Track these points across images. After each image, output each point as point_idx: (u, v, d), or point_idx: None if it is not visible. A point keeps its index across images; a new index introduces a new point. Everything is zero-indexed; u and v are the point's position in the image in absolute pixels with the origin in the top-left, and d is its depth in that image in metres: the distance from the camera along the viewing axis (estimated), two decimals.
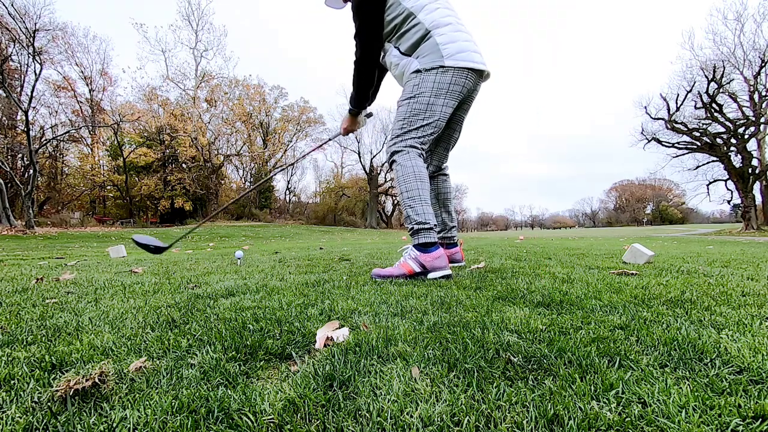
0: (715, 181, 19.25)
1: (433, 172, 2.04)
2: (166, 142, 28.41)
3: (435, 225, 1.65)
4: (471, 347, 0.70)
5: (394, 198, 42.25)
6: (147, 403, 0.52)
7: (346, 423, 0.48)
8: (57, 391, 0.54)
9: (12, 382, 0.60)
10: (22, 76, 19.84)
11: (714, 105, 17.15)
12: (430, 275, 1.56)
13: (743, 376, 0.58)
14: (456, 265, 2.05)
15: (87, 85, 26.12)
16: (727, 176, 18.12)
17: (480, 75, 1.73)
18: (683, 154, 19.68)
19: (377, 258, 2.63)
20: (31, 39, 15.10)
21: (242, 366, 0.65)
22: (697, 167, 19.64)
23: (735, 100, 17.46)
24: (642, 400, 0.51)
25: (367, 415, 0.49)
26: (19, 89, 19.47)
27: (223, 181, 32.48)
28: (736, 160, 17.32)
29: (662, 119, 18.82)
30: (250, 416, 0.49)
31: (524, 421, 0.47)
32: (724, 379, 0.57)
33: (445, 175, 2.07)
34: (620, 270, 1.71)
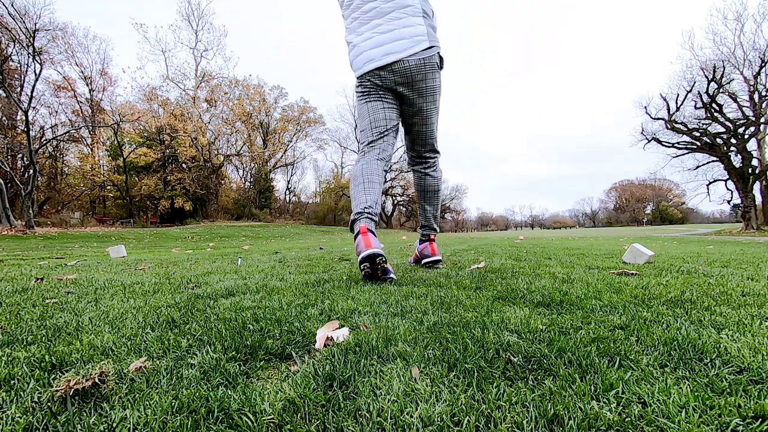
0: (715, 181, 19.23)
1: (412, 167, 2.11)
2: (166, 142, 28.39)
3: (362, 214, 1.64)
4: (471, 347, 0.70)
5: (393, 198, 42.25)
6: (147, 403, 0.52)
7: (346, 423, 0.48)
8: (57, 391, 0.54)
9: (12, 382, 0.60)
10: (22, 76, 19.82)
11: (714, 105, 17.14)
12: (359, 259, 1.54)
13: (743, 376, 0.58)
14: (429, 259, 2.06)
15: (87, 85, 26.12)
16: (727, 176, 18.10)
17: (389, 67, 1.74)
18: (683, 154, 19.66)
19: None
20: (31, 39, 15.09)
21: (242, 366, 0.65)
22: (697, 167, 19.62)
23: (735, 100, 17.44)
24: (642, 400, 0.51)
25: (367, 415, 0.49)
26: (19, 89, 19.45)
27: (223, 181, 32.47)
28: (736, 160, 17.31)
29: (662, 119, 18.81)
30: (250, 416, 0.49)
31: (524, 421, 0.47)
32: (724, 379, 0.57)
33: (422, 173, 2.07)
34: (620, 270, 1.71)
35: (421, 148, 2.01)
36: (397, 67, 1.75)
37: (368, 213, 1.64)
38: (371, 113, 1.82)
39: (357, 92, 1.88)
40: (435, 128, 1.97)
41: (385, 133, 1.83)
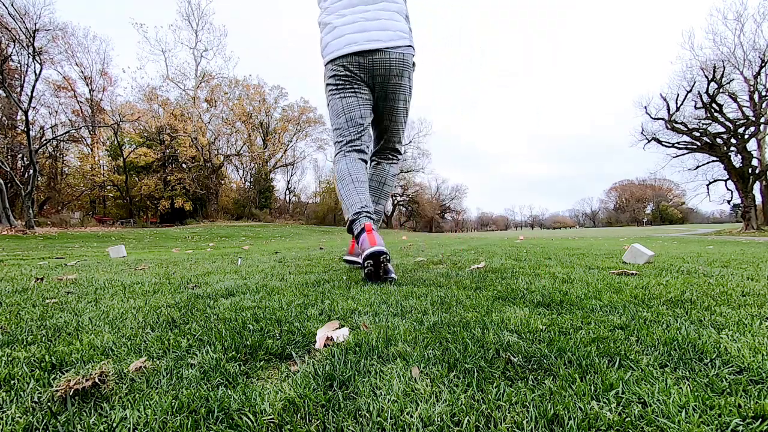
0: (715, 181, 19.22)
1: (370, 156, 2.06)
2: (166, 142, 28.40)
3: (361, 213, 1.62)
4: (471, 347, 0.70)
5: (393, 198, 42.29)
6: (147, 403, 0.52)
7: (346, 423, 0.48)
8: (57, 391, 0.54)
9: (12, 382, 0.60)
10: (22, 76, 19.82)
11: (714, 105, 17.14)
12: (362, 256, 1.51)
13: (743, 376, 0.58)
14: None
15: (87, 85, 26.12)
16: (727, 176, 18.10)
17: (370, 54, 1.68)
18: (683, 154, 19.66)
19: None
20: (31, 39, 15.08)
21: (242, 366, 0.65)
22: (697, 167, 19.62)
23: (735, 100, 17.45)
24: (642, 400, 0.51)
25: (367, 415, 0.49)
26: (19, 89, 19.45)
27: (223, 181, 32.48)
28: (736, 160, 17.31)
29: (662, 119, 18.80)
30: (250, 416, 0.49)
31: (524, 421, 0.47)
32: (724, 379, 0.57)
33: (376, 161, 2.04)
34: (620, 270, 1.71)
35: (385, 145, 2.00)
36: (377, 56, 1.70)
37: (367, 212, 1.62)
38: (347, 110, 1.76)
39: (329, 84, 1.78)
40: (402, 128, 1.96)
41: (363, 131, 1.80)
